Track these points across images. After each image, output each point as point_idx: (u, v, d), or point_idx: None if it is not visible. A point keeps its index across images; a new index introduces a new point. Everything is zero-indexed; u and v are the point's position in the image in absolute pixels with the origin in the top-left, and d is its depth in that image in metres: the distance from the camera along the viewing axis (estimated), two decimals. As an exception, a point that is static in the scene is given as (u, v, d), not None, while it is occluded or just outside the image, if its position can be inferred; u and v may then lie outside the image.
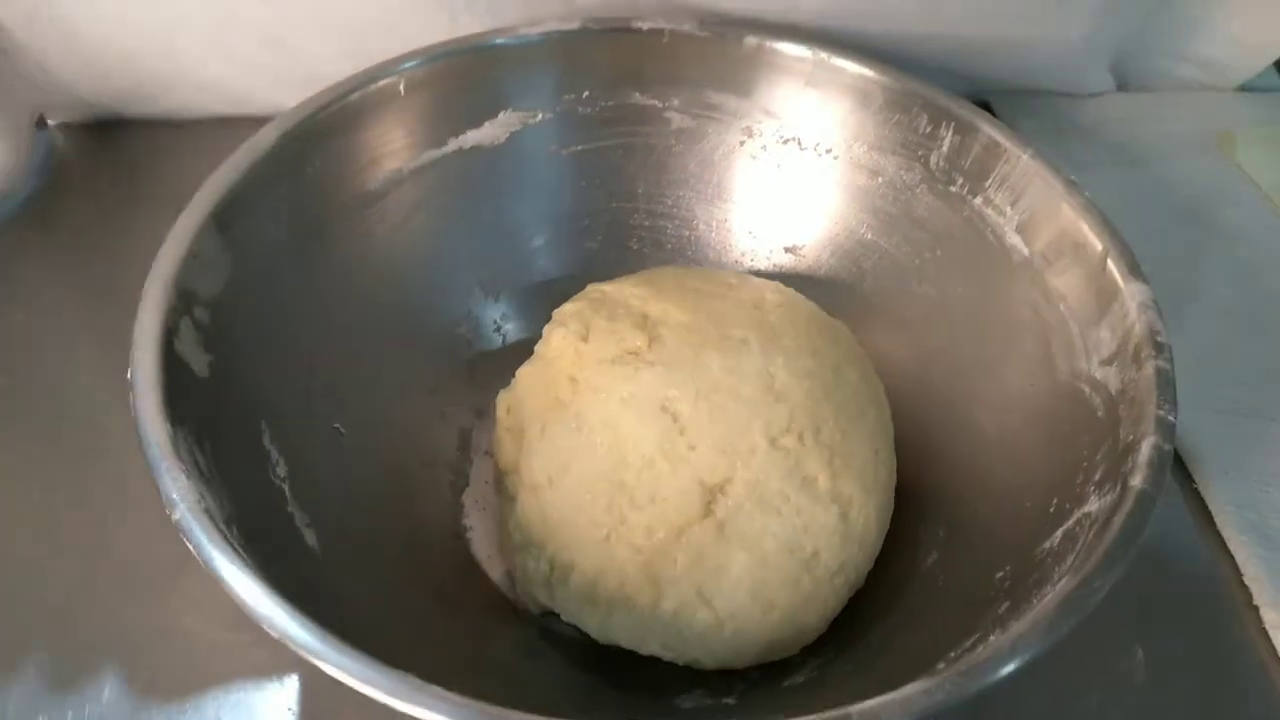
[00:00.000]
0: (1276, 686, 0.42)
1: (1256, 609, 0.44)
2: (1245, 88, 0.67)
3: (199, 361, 0.36)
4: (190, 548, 0.30)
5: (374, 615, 0.37)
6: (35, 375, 0.49)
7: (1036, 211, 0.43)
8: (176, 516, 0.30)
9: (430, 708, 0.27)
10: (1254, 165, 0.62)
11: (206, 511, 0.31)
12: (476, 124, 0.48)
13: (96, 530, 0.44)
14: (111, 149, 0.60)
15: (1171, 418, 0.34)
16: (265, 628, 0.28)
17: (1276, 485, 0.47)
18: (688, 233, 0.52)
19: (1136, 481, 0.33)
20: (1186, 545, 0.46)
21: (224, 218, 0.39)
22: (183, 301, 0.36)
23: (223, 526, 0.31)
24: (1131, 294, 0.38)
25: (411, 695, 0.27)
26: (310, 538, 0.38)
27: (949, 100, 0.46)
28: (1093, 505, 0.35)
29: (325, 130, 0.44)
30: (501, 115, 0.48)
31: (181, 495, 0.31)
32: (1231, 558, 0.45)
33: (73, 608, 0.42)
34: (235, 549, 0.30)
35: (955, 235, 0.46)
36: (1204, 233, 0.58)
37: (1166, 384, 0.35)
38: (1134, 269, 0.39)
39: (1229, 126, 0.64)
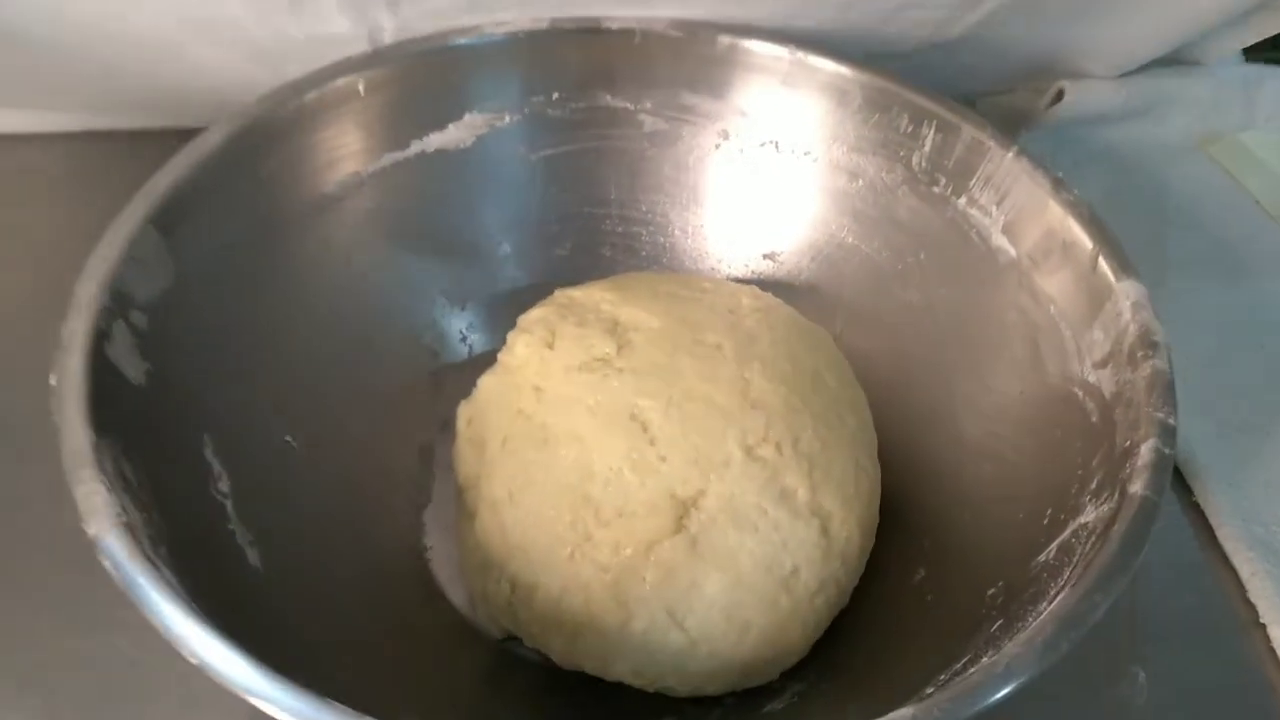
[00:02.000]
0: (1285, 710, 0.40)
1: (1263, 627, 0.42)
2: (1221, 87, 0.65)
3: (134, 368, 0.34)
4: (106, 565, 0.27)
5: (321, 640, 0.35)
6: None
7: (1023, 210, 0.41)
8: (92, 532, 0.28)
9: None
10: (1239, 169, 0.61)
11: (127, 526, 0.28)
12: (440, 126, 0.46)
13: (21, 547, 0.41)
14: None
15: (1172, 420, 0.32)
16: (182, 652, 0.26)
17: (1282, 497, 0.45)
18: (662, 239, 0.50)
19: (1137, 488, 0.31)
20: (1187, 561, 0.44)
21: (166, 219, 0.37)
22: (117, 304, 0.34)
23: (145, 543, 0.28)
24: (1125, 293, 0.36)
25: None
26: (253, 556, 0.35)
27: (930, 98, 0.44)
28: (1089, 515, 0.33)
29: (279, 130, 0.42)
30: (467, 117, 0.46)
31: (99, 508, 0.28)
32: (1235, 573, 0.44)
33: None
34: (157, 567, 0.28)
35: (939, 237, 0.44)
36: (1193, 238, 0.57)
37: (1165, 385, 0.33)
38: (1126, 267, 0.37)
39: (1211, 130, 0.63)
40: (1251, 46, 0.62)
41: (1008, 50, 0.56)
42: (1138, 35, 0.57)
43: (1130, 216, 0.56)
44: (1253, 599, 0.42)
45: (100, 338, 0.33)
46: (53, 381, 0.31)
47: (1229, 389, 0.49)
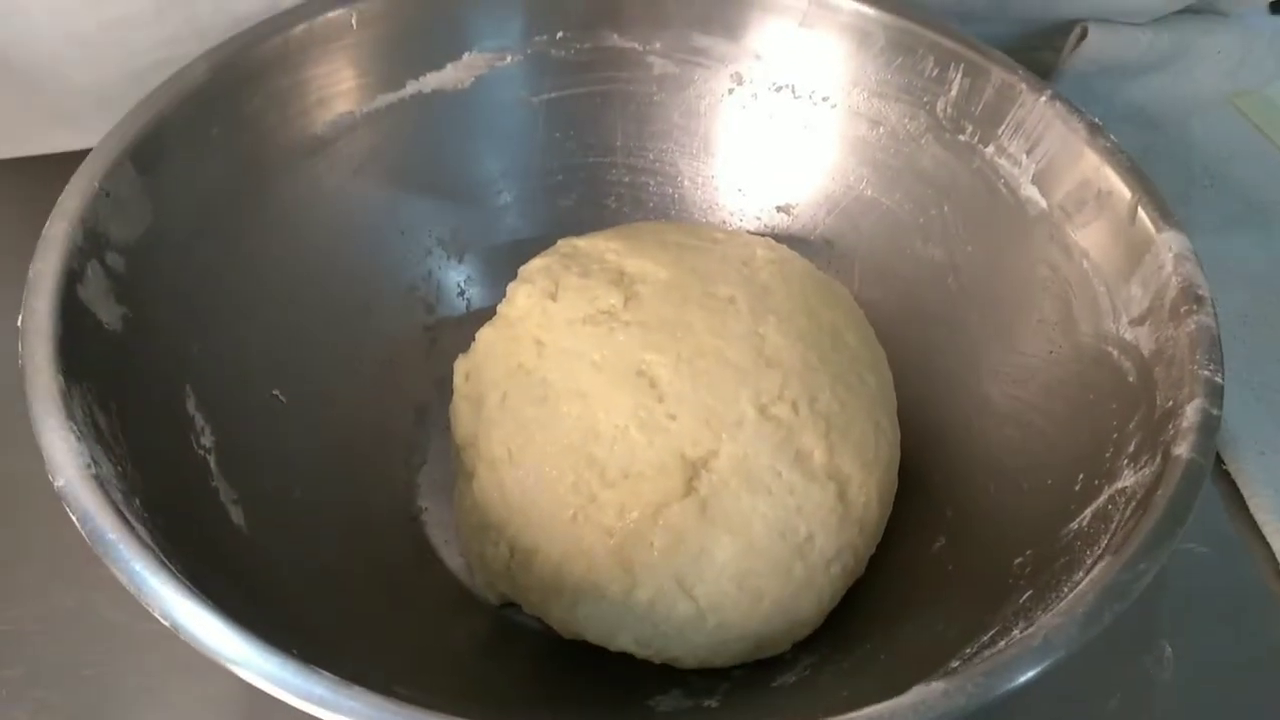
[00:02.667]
0: (1319, 687, 0.38)
1: (1296, 602, 0.40)
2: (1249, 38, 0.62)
3: (109, 313, 0.32)
4: (74, 518, 0.25)
5: (307, 605, 0.33)
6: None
7: (1056, 159, 0.39)
8: (60, 483, 0.26)
9: (350, 712, 0.23)
10: (1268, 123, 0.58)
11: (97, 478, 0.26)
12: (438, 66, 0.44)
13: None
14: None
15: (1219, 379, 0.30)
16: (155, 613, 0.24)
17: (1317, 467, 0.43)
18: (671, 190, 0.48)
19: (1182, 450, 0.29)
20: (1217, 532, 0.43)
21: (144, 156, 0.35)
22: (91, 244, 0.32)
23: (117, 496, 0.27)
24: (1167, 244, 0.34)
25: (326, 699, 0.23)
26: (236, 515, 0.34)
27: (959, 40, 0.42)
28: (1128, 480, 0.31)
29: (265, 65, 0.40)
30: (465, 57, 0.44)
31: (67, 458, 0.26)
32: (1267, 546, 0.42)
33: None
34: (129, 522, 0.26)
35: (964, 189, 0.42)
36: (1223, 194, 0.55)
37: (1211, 342, 0.31)
38: (1168, 217, 0.35)
39: (1239, 84, 0.61)
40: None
41: (1029, 8, 0.54)
42: None
43: (1158, 173, 0.54)
44: (1285, 572, 0.41)
45: (72, 278, 0.31)
46: (20, 324, 0.29)
47: (1261, 352, 0.47)
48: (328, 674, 0.23)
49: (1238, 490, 0.43)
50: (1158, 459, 0.30)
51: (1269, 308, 0.49)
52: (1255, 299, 0.49)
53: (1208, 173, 0.56)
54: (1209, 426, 0.29)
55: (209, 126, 0.38)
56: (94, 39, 0.41)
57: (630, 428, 0.34)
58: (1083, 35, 0.56)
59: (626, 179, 0.48)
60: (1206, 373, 0.31)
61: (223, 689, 0.35)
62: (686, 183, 0.48)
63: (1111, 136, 0.38)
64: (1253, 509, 0.43)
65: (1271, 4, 0.62)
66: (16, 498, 0.40)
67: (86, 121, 0.35)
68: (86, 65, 0.42)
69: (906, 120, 0.43)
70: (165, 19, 0.41)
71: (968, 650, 0.30)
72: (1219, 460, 0.44)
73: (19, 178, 0.44)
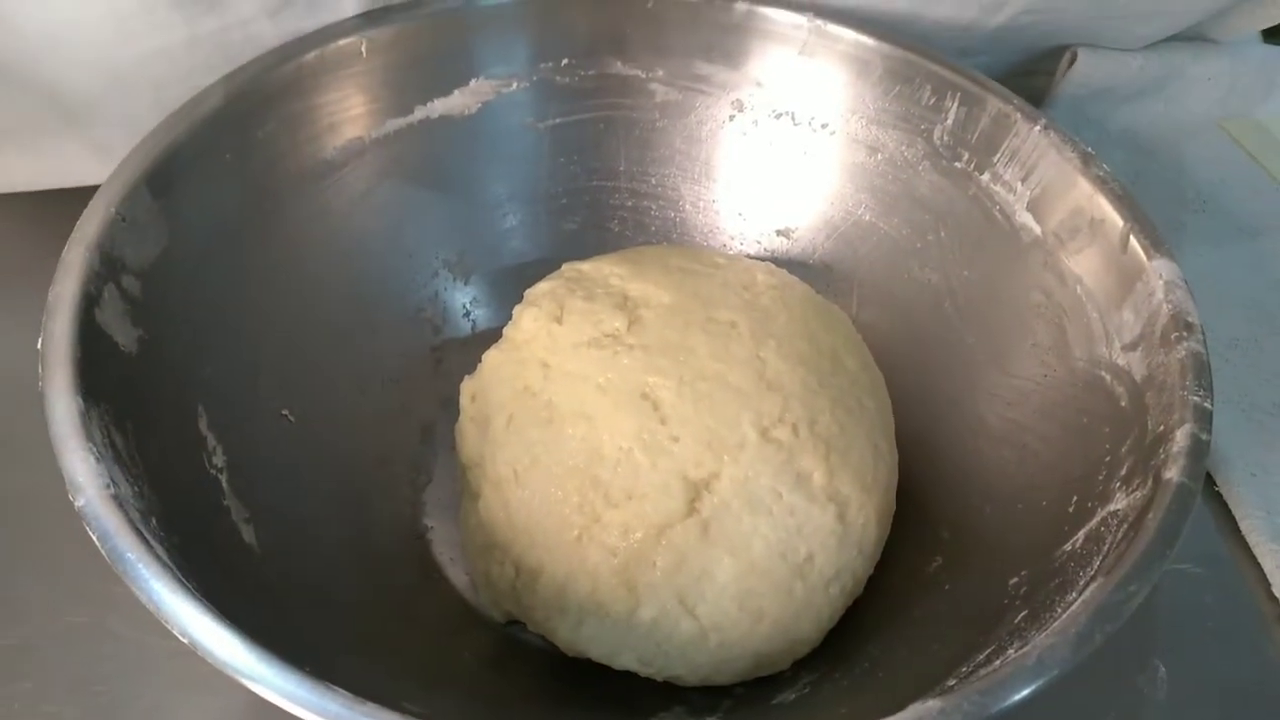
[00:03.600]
0: (1310, 707, 0.39)
1: (1288, 622, 0.40)
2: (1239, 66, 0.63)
3: (125, 335, 0.33)
4: (94, 537, 0.26)
5: (317, 621, 0.33)
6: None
7: (1050, 187, 0.40)
8: (80, 503, 0.27)
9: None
10: (1258, 149, 0.59)
11: (116, 498, 0.27)
12: (445, 92, 0.44)
13: (14, 526, 0.40)
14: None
15: (1209, 404, 0.31)
16: (173, 630, 0.24)
17: (1307, 489, 0.43)
18: (673, 214, 0.49)
19: (1172, 474, 0.30)
20: (1210, 552, 0.43)
21: (159, 180, 0.36)
22: (108, 268, 0.33)
23: (135, 516, 0.27)
24: (1157, 271, 0.35)
25: (341, 715, 0.23)
26: (248, 534, 0.34)
27: (955, 70, 0.43)
28: (1120, 503, 0.31)
29: (278, 92, 0.40)
30: (473, 83, 0.45)
31: (88, 479, 0.27)
32: (1258, 567, 0.42)
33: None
34: (148, 541, 0.26)
35: (960, 215, 0.43)
36: (1214, 219, 0.55)
37: (1201, 368, 0.32)
38: (1159, 245, 0.36)
39: (1229, 111, 0.62)
40: (1271, 29, 0.61)
41: (1024, 42, 0.55)
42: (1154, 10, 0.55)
43: (1150, 196, 0.55)
44: (1277, 594, 0.41)
45: (90, 302, 0.32)
46: (40, 347, 0.30)
47: (1252, 375, 0.47)
48: (342, 691, 0.24)
49: (1229, 511, 0.44)
50: (1149, 482, 0.30)
51: (1260, 330, 0.50)
52: (1247, 321, 0.50)
53: (1199, 196, 0.57)
54: (1198, 451, 0.30)
55: (222, 151, 0.38)
56: (128, 72, 0.42)
57: (634, 450, 0.35)
58: (1073, 60, 0.57)
59: (630, 203, 0.49)
60: (1196, 398, 0.31)
61: (231, 705, 0.36)
62: (688, 206, 0.49)
63: (1104, 166, 0.38)
64: (1244, 530, 0.43)
65: (1264, 31, 0.63)
66: (27, 514, 0.40)
67: (118, 152, 0.36)
68: (121, 97, 0.42)
69: (904, 147, 0.44)
70: (196, 50, 0.42)
71: (964, 669, 0.30)
72: (1211, 482, 0.45)
73: (40, 202, 0.44)
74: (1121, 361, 0.35)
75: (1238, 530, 0.43)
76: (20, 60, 0.41)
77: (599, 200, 0.49)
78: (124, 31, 0.41)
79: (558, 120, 0.47)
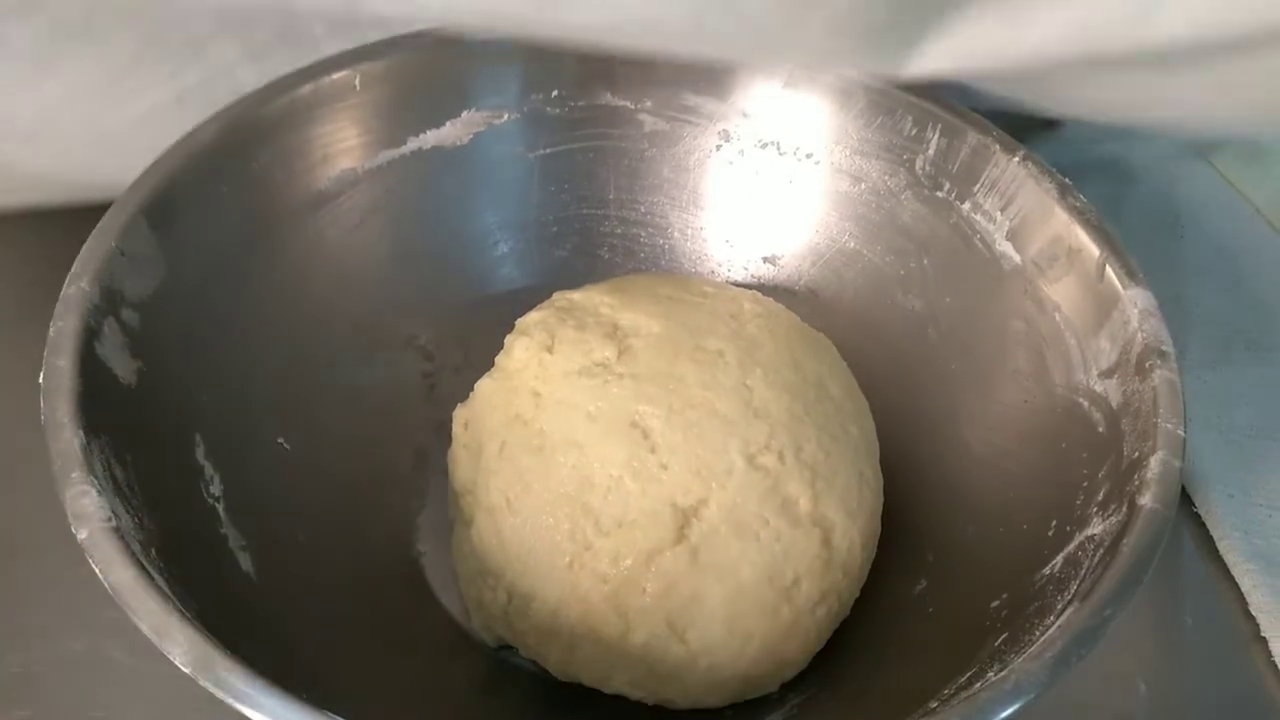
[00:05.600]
0: (1288, 725, 0.39)
1: (1265, 641, 0.41)
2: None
3: (124, 367, 0.34)
4: (96, 570, 0.27)
5: (311, 645, 0.34)
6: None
7: (1028, 216, 0.41)
8: (83, 536, 0.27)
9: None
10: (1240, 178, 0.60)
11: (117, 530, 0.27)
12: (437, 123, 0.45)
13: (12, 549, 0.41)
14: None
15: (1181, 431, 0.32)
16: (173, 659, 0.25)
17: (1283, 509, 0.44)
18: (662, 241, 0.50)
19: (1146, 500, 0.30)
20: (1188, 572, 0.44)
21: (157, 214, 0.36)
22: (107, 302, 0.34)
23: (137, 547, 0.28)
24: (1132, 300, 0.36)
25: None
26: (245, 561, 0.35)
27: (935, 102, 0.43)
28: (1096, 527, 0.32)
29: (272, 125, 0.41)
30: (464, 115, 0.45)
31: (90, 512, 0.28)
32: (1236, 586, 0.43)
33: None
34: (148, 572, 0.27)
35: (942, 243, 0.44)
36: (1195, 247, 0.56)
37: (1174, 395, 0.33)
38: (1134, 275, 0.37)
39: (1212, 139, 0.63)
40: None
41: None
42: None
43: (1130, 222, 0.56)
44: (1254, 613, 0.42)
45: (90, 336, 0.32)
46: (42, 381, 0.30)
47: (1229, 397, 0.48)
48: (339, 718, 0.24)
49: (1207, 532, 0.45)
50: (1124, 508, 0.31)
51: (1237, 353, 0.50)
52: (1225, 344, 0.51)
53: (1179, 222, 0.58)
54: (1171, 478, 0.31)
55: (219, 184, 0.39)
56: (120, 137, 0.43)
57: (624, 477, 0.36)
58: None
59: (619, 230, 0.50)
60: (1169, 425, 0.32)
61: (228, 731, 0.36)
62: (676, 234, 0.50)
63: (1080, 196, 0.39)
64: (1222, 550, 0.44)
65: None
66: (25, 542, 0.41)
67: None
68: (115, 161, 0.42)
69: (887, 177, 0.45)
70: (185, 108, 0.42)
71: (946, 691, 0.31)
72: (1190, 502, 0.46)
73: (41, 230, 0.45)
74: (1099, 388, 0.36)
75: (1216, 550, 0.44)
76: (20, 153, 0.42)
77: (589, 228, 0.49)
78: (111, 99, 0.41)
79: (548, 150, 0.48)
